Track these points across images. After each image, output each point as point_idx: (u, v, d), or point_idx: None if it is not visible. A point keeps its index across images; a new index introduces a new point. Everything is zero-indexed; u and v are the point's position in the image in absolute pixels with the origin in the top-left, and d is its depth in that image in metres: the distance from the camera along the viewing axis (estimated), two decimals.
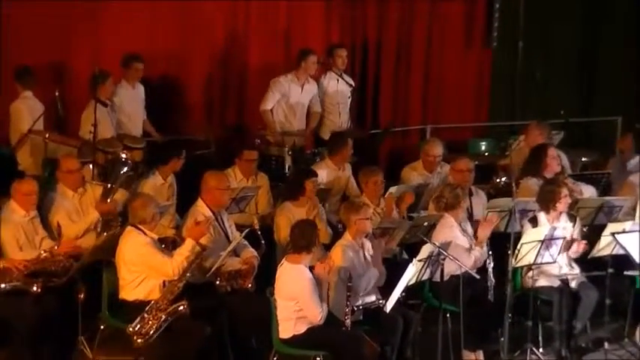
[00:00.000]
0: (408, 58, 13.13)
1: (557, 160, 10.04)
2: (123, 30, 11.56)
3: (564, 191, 9.06)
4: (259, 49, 12.27)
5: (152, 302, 8.06)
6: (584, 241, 9.01)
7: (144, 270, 8.17)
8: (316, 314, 7.82)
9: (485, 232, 8.87)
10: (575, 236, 9.17)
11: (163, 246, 8.45)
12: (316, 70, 11.59)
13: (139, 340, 7.96)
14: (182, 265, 8.10)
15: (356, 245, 8.43)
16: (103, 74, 10.61)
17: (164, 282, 8.25)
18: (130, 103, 11.12)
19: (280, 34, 12.44)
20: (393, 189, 9.85)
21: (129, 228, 8.35)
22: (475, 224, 9.20)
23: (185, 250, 8.14)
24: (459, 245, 8.73)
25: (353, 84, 11.81)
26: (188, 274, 8.15)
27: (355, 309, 8.10)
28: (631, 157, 10.69)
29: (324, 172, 10.20)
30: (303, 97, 11.53)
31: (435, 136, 11.99)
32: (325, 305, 7.88)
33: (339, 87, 11.78)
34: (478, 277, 8.75)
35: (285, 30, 12.49)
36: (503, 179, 10.03)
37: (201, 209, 8.84)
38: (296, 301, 7.84)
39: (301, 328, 7.90)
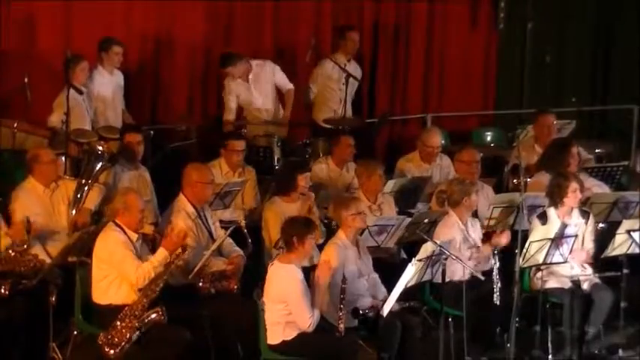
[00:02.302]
0: (407, 40, 13.15)
1: (577, 159, 10.13)
2: (96, 11, 11.53)
3: (573, 185, 9.11)
4: (244, 31, 12.32)
5: (126, 308, 8.07)
6: (586, 249, 9.13)
7: (112, 270, 8.18)
8: (305, 320, 7.86)
9: (500, 241, 8.93)
10: (588, 234, 9.20)
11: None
12: (310, 56, 11.71)
13: (111, 352, 7.99)
14: (148, 275, 8.11)
15: (350, 244, 8.47)
16: (76, 58, 10.60)
17: None
18: (108, 91, 11.17)
19: (267, 15, 12.47)
20: (390, 183, 9.95)
21: (109, 224, 8.38)
22: (484, 229, 9.34)
23: (155, 260, 8.16)
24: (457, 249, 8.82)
25: (358, 78, 11.92)
26: (165, 278, 8.13)
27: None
28: None
29: (324, 168, 10.35)
30: (255, 90, 11.63)
31: (437, 125, 12.03)
32: (317, 311, 7.91)
33: (347, 70, 11.80)
34: (483, 278, 8.78)
35: (273, 11, 12.51)
36: (526, 179, 9.98)
37: (183, 205, 8.88)
38: (285, 303, 7.88)
39: (291, 334, 7.93)
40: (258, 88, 11.64)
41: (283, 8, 12.55)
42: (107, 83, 11.19)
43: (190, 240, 8.60)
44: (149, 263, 8.14)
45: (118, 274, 8.16)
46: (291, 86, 11.83)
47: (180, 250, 8.18)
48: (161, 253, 8.17)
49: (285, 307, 7.90)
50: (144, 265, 8.14)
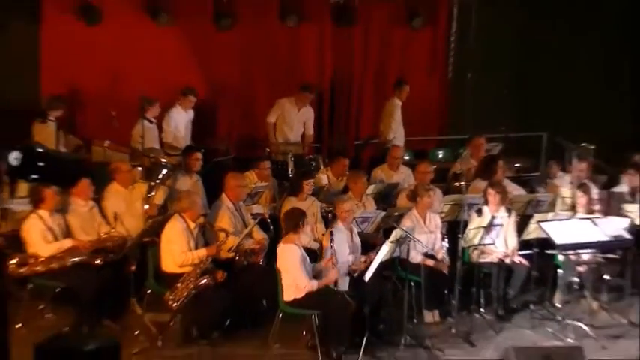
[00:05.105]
0: (384, 85, 12.89)
1: (503, 171, 10.14)
2: (165, 64, 11.58)
3: (488, 190, 9.20)
4: (268, 79, 12.29)
5: (184, 275, 8.13)
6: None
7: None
8: (302, 284, 7.89)
9: (442, 267, 8.92)
10: (511, 225, 9.19)
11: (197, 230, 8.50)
12: (308, 98, 11.53)
13: (173, 305, 8.07)
14: (187, 261, 8.16)
15: (345, 230, 8.56)
16: (150, 100, 10.73)
17: None
18: (182, 124, 11.23)
19: (282, 63, 12.40)
20: (370, 187, 9.98)
21: (175, 215, 8.44)
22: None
23: (196, 254, 8.21)
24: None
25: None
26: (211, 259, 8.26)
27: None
28: (557, 174, 10.71)
29: (325, 177, 10.30)
30: (295, 119, 11.53)
31: (405, 146, 11.87)
32: (314, 282, 7.94)
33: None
34: (434, 253, 8.96)
35: (288, 60, 12.46)
36: (463, 183, 9.89)
37: (225, 202, 8.95)
38: (291, 274, 7.95)
39: (300, 293, 7.97)
40: (297, 118, 11.57)
41: (293, 60, 12.34)
42: (182, 118, 11.22)
43: (231, 228, 8.65)
44: (191, 254, 8.19)
45: (169, 252, 8.23)
46: (312, 133, 11.71)
47: (207, 260, 8.19)
48: (202, 252, 8.24)
49: (291, 277, 7.95)
50: (187, 253, 8.19)
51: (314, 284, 7.95)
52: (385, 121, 11.92)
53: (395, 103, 11.90)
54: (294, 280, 7.94)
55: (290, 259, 7.97)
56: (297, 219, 8.09)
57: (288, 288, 8.05)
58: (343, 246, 8.46)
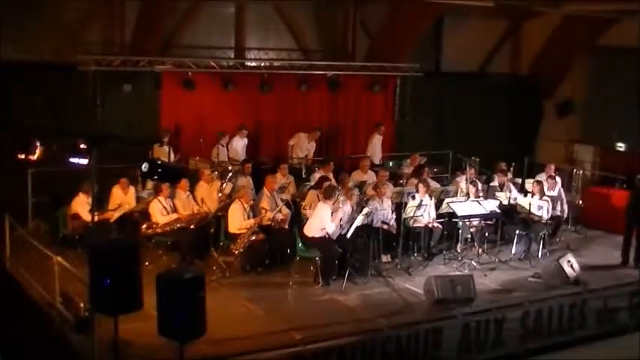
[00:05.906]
0: (358, 126, 12.39)
1: (427, 173, 10.03)
2: (230, 113, 11.32)
3: (419, 184, 9.11)
4: (290, 122, 11.97)
5: (241, 234, 8.09)
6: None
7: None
8: (329, 228, 7.85)
9: (392, 230, 8.69)
10: (432, 205, 8.98)
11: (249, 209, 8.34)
12: (316, 134, 11.32)
13: (235, 251, 8.06)
14: (242, 226, 8.05)
15: (349, 207, 8.33)
16: (222, 133, 10.66)
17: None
18: (240, 146, 10.97)
19: (298, 113, 12.04)
20: (350, 183, 9.77)
21: (236, 200, 8.40)
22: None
23: (248, 222, 8.09)
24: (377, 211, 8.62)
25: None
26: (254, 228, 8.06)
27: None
28: (458, 176, 10.32)
29: (318, 175, 10.12)
30: (307, 145, 11.28)
31: (370, 160, 11.68)
32: (333, 225, 7.83)
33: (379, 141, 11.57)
34: (388, 222, 8.82)
35: (301, 111, 12.04)
36: (404, 180, 9.84)
37: (266, 192, 8.79)
38: (321, 219, 7.89)
39: (318, 234, 7.94)
40: (306, 146, 11.32)
41: (303, 116, 11.91)
42: (240, 143, 10.97)
43: (268, 206, 8.61)
44: (245, 222, 8.13)
45: (232, 221, 8.13)
46: (312, 156, 11.19)
47: (255, 227, 8.03)
48: (252, 221, 8.15)
49: (320, 221, 7.85)
50: (243, 221, 8.13)
51: (334, 227, 7.90)
52: (368, 147, 11.86)
53: (375, 136, 11.74)
54: (320, 223, 7.79)
55: (324, 211, 7.90)
56: (331, 192, 8.03)
57: (312, 230, 7.91)
58: (347, 217, 8.25)
